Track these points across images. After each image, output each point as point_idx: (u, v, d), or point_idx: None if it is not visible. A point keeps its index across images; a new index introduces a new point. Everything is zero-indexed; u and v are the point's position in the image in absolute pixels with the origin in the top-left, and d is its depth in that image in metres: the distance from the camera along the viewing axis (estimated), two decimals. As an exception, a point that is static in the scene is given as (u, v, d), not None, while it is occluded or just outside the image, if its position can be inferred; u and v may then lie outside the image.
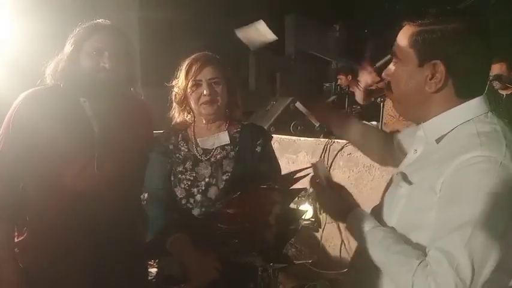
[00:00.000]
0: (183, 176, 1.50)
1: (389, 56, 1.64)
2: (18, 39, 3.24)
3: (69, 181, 1.43)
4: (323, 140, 3.32)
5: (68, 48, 1.47)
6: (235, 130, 1.59)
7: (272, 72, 7.90)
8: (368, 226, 1.03)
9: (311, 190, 3.33)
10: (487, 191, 0.85)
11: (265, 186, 1.35)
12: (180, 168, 1.51)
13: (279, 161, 1.69)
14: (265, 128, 3.85)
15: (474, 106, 0.98)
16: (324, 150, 3.22)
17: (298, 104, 4.19)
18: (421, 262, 0.89)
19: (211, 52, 1.60)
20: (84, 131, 1.48)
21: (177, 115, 1.61)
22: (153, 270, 2.36)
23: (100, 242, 1.44)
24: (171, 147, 1.56)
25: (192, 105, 1.54)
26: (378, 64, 1.67)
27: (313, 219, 3.30)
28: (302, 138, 3.45)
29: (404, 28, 1.02)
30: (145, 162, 1.57)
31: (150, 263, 2.38)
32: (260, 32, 1.61)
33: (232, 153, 1.54)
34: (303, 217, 3.07)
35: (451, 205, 0.89)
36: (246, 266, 1.44)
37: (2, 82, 2.49)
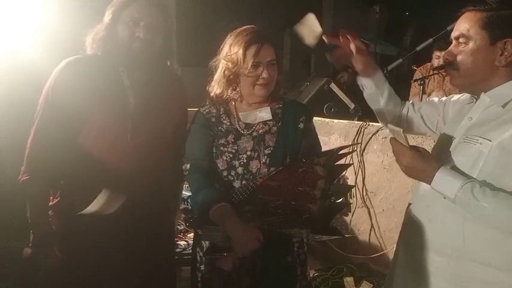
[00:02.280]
0: (225, 149, 1.52)
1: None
2: (53, 9, 3.29)
3: (103, 149, 1.47)
4: (357, 123, 3.25)
5: (107, 17, 1.48)
6: (277, 106, 1.59)
7: (307, 53, 7.75)
8: (462, 179, 1.14)
9: (344, 173, 3.29)
10: None
11: (309, 161, 1.36)
12: (222, 141, 1.53)
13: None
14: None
15: None
16: (358, 133, 3.15)
17: (332, 85, 4.11)
18: None
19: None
20: (120, 100, 1.50)
21: (219, 89, 1.56)
22: (182, 243, 2.42)
23: (130, 210, 1.46)
24: (213, 119, 1.57)
25: (245, 84, 1.51)
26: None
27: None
28: (335, 120, 3.39)
29: (467, 14, 1.22)
30: (179, 136, 1.58)
31: (179, 235, 2.44)
32: (309, 26, 1.56)
33: (275, 128, 1.54)
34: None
35: None
36: (285, 241, 1.47)
37: (38, 51, 2.54)
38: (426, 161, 1.20)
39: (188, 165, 1.53)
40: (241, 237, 1.34)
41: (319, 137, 1.63)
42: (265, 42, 1.48)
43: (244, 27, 1.54)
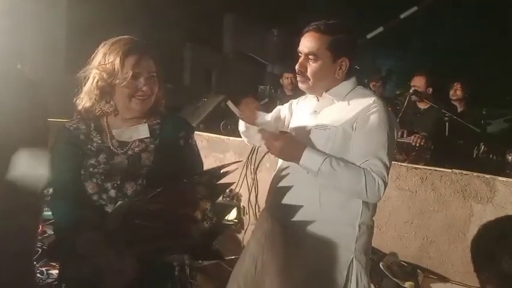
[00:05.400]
0: (96, 170, 1.36)
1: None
2: None
3: None
4: (252, 141, 3.30)
5: None
6: (155, 121, 1.48)
7: (208, 69, 7.76)
8: (323, 155, 1.45)
9: (236, 190, 3.30)
10: (387, 121, 1.49)
11: (189, 180, 1.29)
12: (92, 161, 1.37)
13: (207, 159, 1.63)
14: (195, 125, 3.75)
15: (354, 80, 1.60)
16: (252, 151, 3.19)
17: (229, 103, 4.15)
18: (364, 169, 1.42)
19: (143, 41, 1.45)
20: None
21: (89, 102, 1.41)
22: (54, 272, 2.18)
23: None
24: (82, 137, 1.41)
25: (120, 97, 1.39)
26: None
27: (236, 220, 3.26)
28: (231, 138, 3.40)
29: (314, 35, 1.53)
30: (34, 149, 1.42)
31: (52, 264, 2.19)
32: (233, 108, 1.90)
33: (152, 146, 1.43)
34: (226, 217, 3.04)
35: (371, 133, 1.47)
36: (165, 265, 1.36)
37: None
38: (295, 143, 1.48)
39: (51, 190, 1.35)
40: (114, 269, 1.21)
41: (214, 154, 1.60)
42: (145, 53, 1.39)
43: (120, 37, 1.42)
